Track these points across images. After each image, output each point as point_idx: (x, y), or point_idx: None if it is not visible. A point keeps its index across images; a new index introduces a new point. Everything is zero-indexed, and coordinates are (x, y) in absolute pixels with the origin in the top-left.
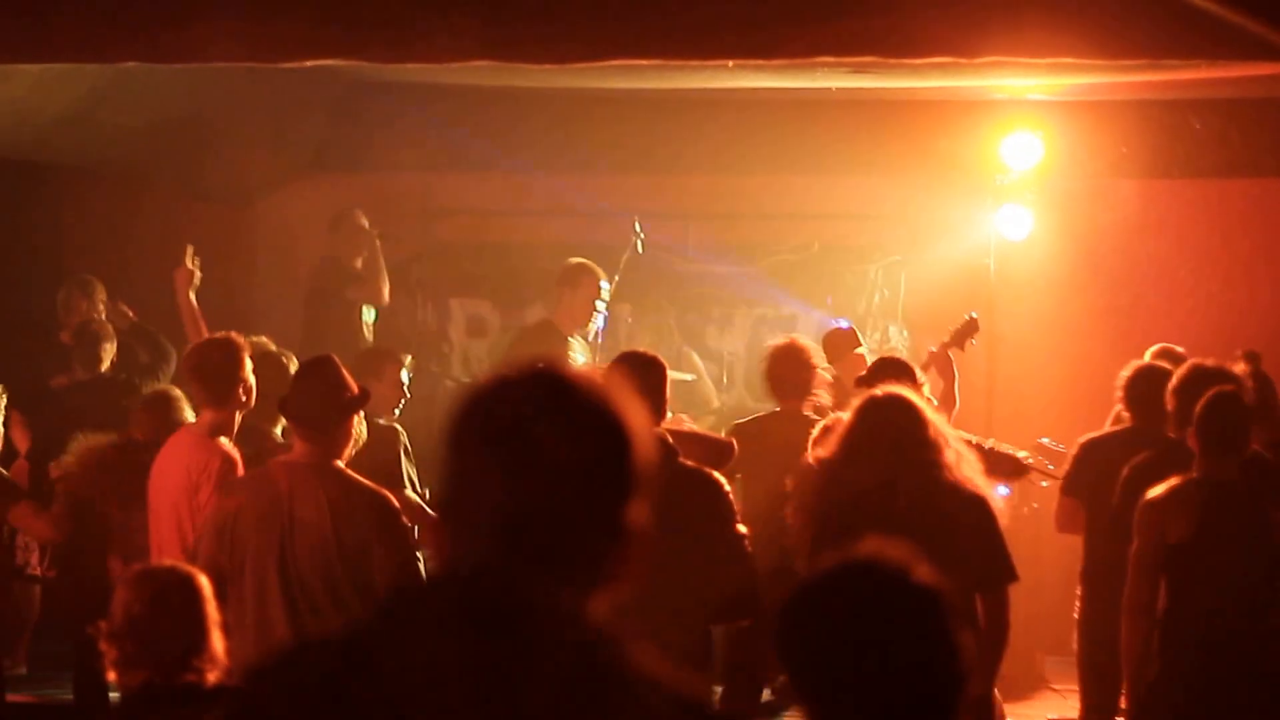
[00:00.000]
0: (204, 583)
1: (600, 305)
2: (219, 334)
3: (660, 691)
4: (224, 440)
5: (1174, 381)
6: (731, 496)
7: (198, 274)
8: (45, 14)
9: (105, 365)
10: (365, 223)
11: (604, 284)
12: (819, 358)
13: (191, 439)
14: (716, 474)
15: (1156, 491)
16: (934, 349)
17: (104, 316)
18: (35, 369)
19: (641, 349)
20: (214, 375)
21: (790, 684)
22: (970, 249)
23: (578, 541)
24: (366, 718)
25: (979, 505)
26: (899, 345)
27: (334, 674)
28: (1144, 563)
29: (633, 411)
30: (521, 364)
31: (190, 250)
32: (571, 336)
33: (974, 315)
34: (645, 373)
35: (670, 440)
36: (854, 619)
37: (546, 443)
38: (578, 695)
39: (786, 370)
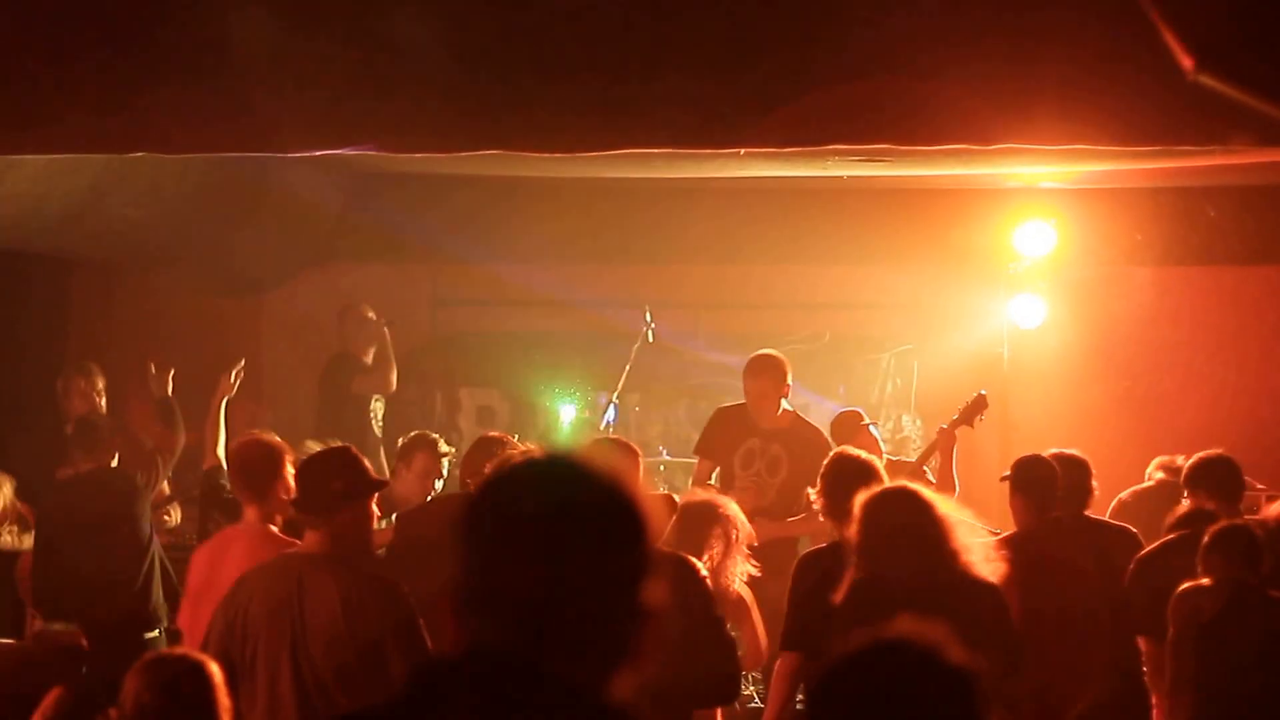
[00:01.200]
0: (215, 671)
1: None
2: (257, 434)
3: None
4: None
5: None
6: (707, 582)
7: (234, 389)
8: (51, 105)
9: (109, 457)
10: (372, 314)
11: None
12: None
13: (249, 535)
14: (692, 559)
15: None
16: (944, 426)
17: (103, 403)
18: (42, 461)
19: (618, 437)
20: (257, 472)
21: None
22: (983, 337)
23: (598, 624)
24: None
25: (991, 594)
26: (912, 434)
27: None
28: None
29: (643, 496)
30: (532, 454)
31: (238, 369)
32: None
33: (983, 392)
34: (622, 457)
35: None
36: (887, 698)
37: (560, 529)
38: None
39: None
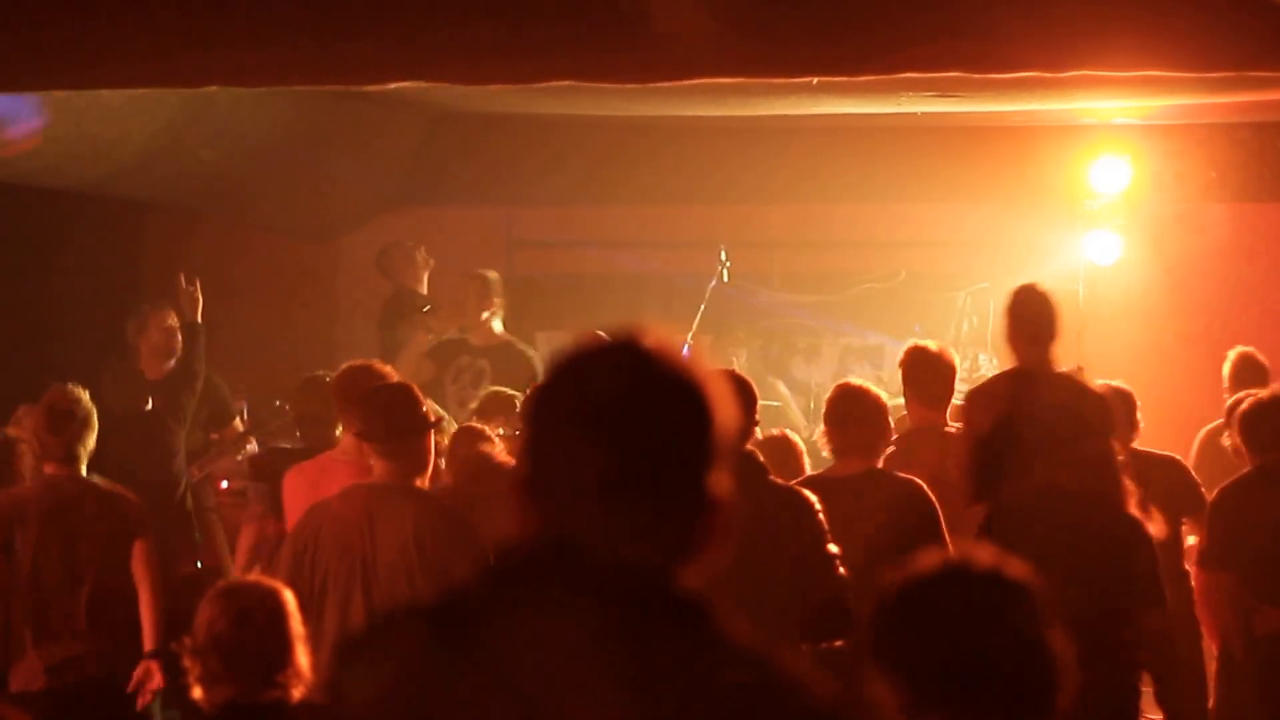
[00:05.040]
0: (288, 598)
1: None
2: (366, 362)
3: (759, 662)
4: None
5: None
6: (822, 515)
7: None
8: (125, 38)
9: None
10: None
11: None
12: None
13: (352, 461)
14: (807, 492)
15: None
16: None
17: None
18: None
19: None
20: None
21: (886, 684)
22: (1059, 275)
23: (668, 510)
24: (470, 684)
25: (1135, 527)
26: (988, 373)
27: (432, 642)
28: None
29: (714, 382)
30: (602, 337)
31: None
32: None
33: (1080, 367)
34: (737, 391)
35: (760, 458)
36: (948, 619)
37: (633, 410)
38: (686, 661)
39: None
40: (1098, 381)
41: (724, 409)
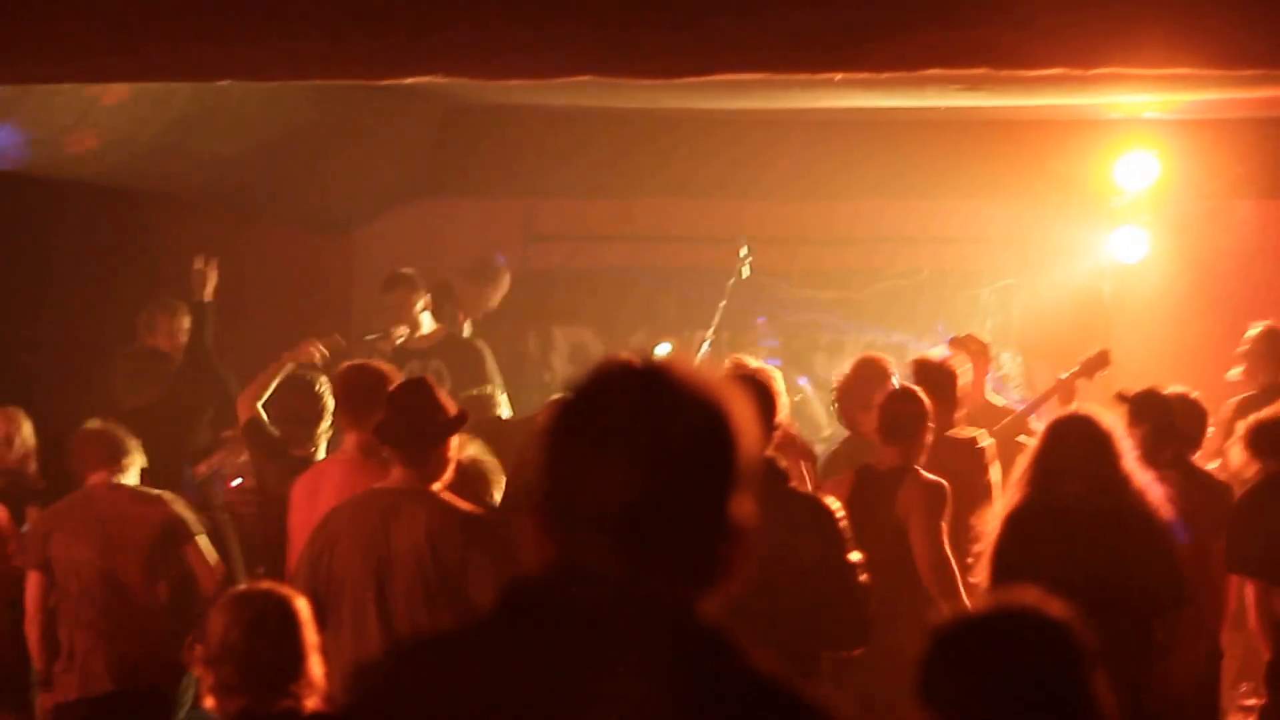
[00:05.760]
0: (302, 606)
1: None
2: (364, 361)
3: (779, 695)
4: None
5: None
6: (843, 523)
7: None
8: (138, 32)
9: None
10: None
11: None
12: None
13: (345, 464)
14: (828, 499)
15: None
16: (1063, 377)
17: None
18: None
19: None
20: (361, 400)
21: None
22: (1085, 272)
23: (687, 537)
24: (482, 715)
25: (1161, 523)
26: (1012, 372)
27: (445, 676)
28: None
29: (737, 404)
30: (622, 359)
31: (324, 345)
32: None
33: (1107, 349)
34: (757, 395)
35: (781, 464)
36: (994, 663)
37: (656, 436)
38: (709, 696)
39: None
40: (1170, 389)
41: (747, 433)
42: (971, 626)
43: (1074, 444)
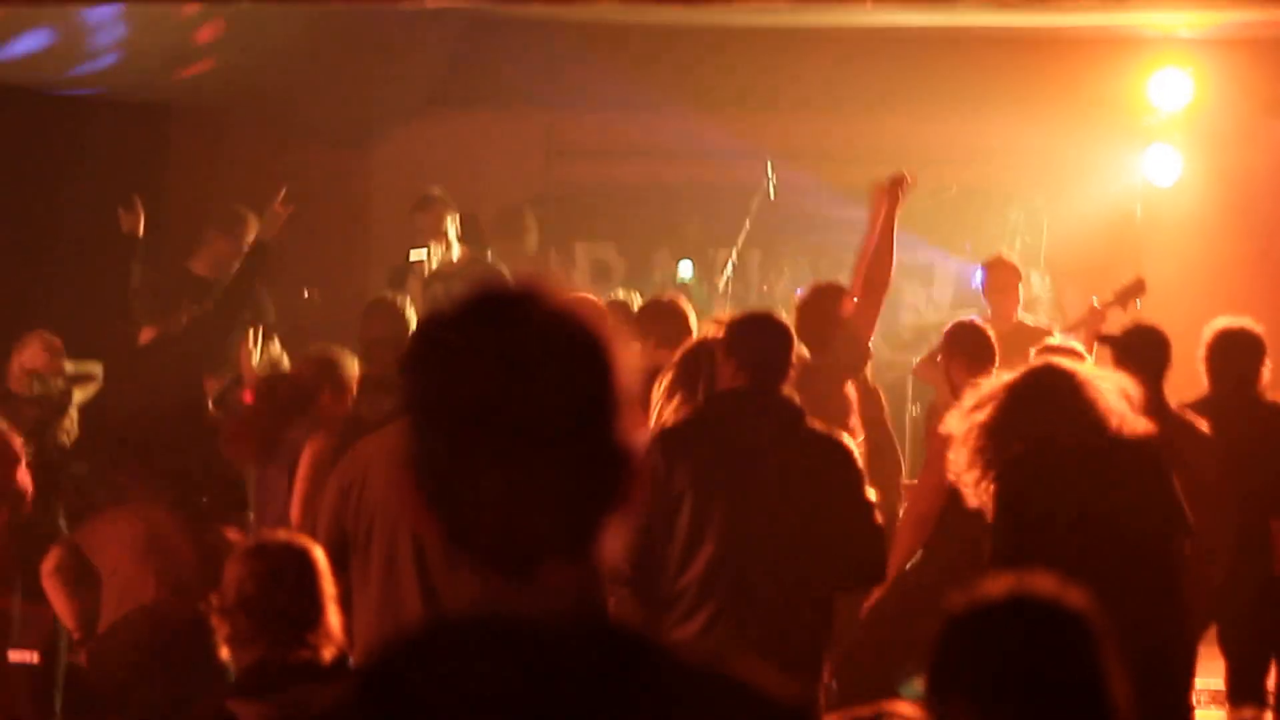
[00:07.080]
0: (319, 556)
1: None
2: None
3: (720, 678)
4: None
5: None
6: (861, 461)
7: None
8: None
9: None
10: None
11: None
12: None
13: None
14: (845, 438)
15: None
16: (1096, 304)
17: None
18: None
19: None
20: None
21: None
22: (1116, 193)
23: (580, 470)
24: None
25: (1152, 453)
26: (1040, 294)
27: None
28: None
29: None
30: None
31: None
32: None
33: (1142, 277)
34: (775, 333)
35: (798, 402)
36: (1007, 652)
37: (525, 373)
38: (638, 695)
39: None
40: (1221, 321)
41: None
42: (988, 615)
43: (1051, 393)
